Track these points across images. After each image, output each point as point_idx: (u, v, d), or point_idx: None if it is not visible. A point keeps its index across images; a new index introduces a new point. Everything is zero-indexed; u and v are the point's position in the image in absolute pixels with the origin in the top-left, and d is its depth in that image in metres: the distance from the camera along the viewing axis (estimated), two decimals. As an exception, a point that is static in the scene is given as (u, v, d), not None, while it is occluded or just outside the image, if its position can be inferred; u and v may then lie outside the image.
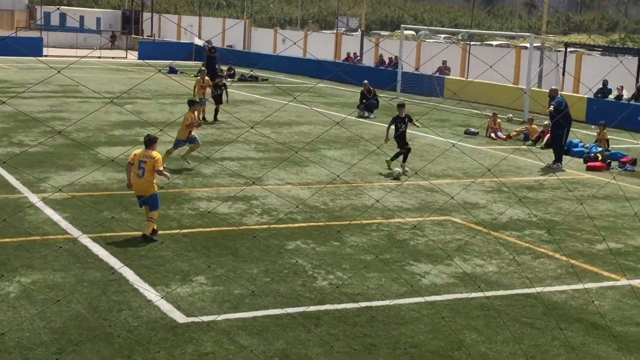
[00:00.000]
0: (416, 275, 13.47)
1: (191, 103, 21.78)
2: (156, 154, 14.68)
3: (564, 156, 24.54)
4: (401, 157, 22.15)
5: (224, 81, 31.09)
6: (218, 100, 30.09)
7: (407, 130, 22.45)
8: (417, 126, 23.77)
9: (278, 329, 10.88)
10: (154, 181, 14.61)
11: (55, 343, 10.09)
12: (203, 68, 35.98)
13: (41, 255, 13.34)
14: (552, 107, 24.40)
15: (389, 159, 22.02)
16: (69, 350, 9.88)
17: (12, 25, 79.90)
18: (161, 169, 14.61)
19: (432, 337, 10.90)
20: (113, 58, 60.22)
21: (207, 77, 30.84)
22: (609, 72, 29.99)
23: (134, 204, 15.69)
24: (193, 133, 21.28)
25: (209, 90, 30.26)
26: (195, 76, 48.94)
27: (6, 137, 24.59)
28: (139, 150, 14.87)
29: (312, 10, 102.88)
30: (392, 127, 22.29)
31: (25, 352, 9.77)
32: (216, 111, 30.27)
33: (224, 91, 30.48)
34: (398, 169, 21.58)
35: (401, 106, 22.36)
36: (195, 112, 21.83)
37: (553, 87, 27.22)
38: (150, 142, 14.81)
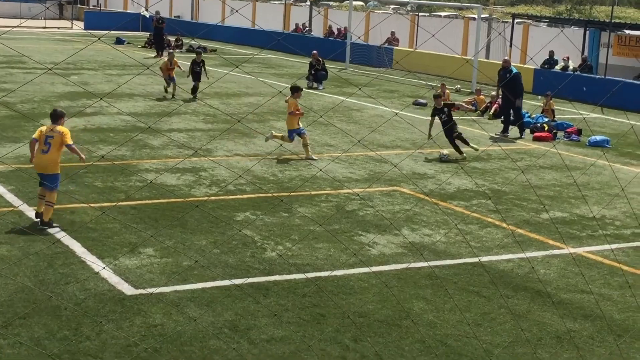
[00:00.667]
0: (365, 246, 13.54)
1: (294, 89, 20.60)
2: (63, 128, 13.68)
3: (513, 127, 24.79)
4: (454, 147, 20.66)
5: (202, 57, 29.52)
6: (197, 77, 28.70)
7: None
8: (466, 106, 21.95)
9: (227, 300, 10.87)
10: (59, 160, 13.64)
11: (0, 316, 10.01)
12: (170, 50, 34.76)
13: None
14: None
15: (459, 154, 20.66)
16: (15, 323, 9.80)
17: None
18: (70, 142, 13.59)
19: (381, 307, 10.98)
20: (58, 28, 59.31)
21: (175, 59, 29.05)
22: (551, 41, 30.43)
23: (80, 176, 15.56)
24: (300, 125, 20.31)
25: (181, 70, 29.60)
26: (143, 47, 48.69)
27: (-51, 108, 24.17)
28: (44, 126, 13.84)
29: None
30: (435, 120, 21.02)
31: (-30, 326, 9.69)
32: (195, 89, 28.66)
33: (203, 68, 28.94)
34: (446, 151, 20.36)
35: (437, 97, 21.04)
36: (297, 99, 20.59)
37: (506, 58, 27.31)
38: (57, 116, 13.79)
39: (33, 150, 13.56)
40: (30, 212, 14.11)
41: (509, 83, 24.48)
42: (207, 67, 29.19)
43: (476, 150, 20.56)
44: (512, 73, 24.86)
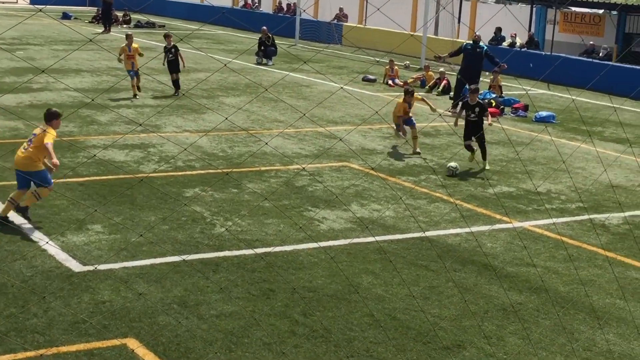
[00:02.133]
0: (314, 221, 13.56)
1: (406, 93, 19.01)
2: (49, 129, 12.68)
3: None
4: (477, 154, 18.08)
5: (173, 43, 24.70)
6: (174, 68, 24.71)
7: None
8: (489, 124, 18.30)
9: (176, 276, 10.83)
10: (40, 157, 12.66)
11: (-54, 295, 9.88)
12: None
13: None
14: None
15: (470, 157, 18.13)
16: (-40, 301, 9.69)
17: None
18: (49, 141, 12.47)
19: (330, 282, 11.02)
20: (3, 2, 58.27)
21: (135, 45, 24.56)
22: (495, 17, 30.73)
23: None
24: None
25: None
26: (91, 22, 48.11)
27: None
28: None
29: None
30: (463, 113, 18.38)
31: None
32: (176, 82, 24.68)
33: (179, 55, 24.62)
34: (454, 164, 17.32)
35: (474, 91, 18.43)
36: (409, 102, 18.96)
37: (477, 33, 27.23)
38: (50, 116, 12.83)
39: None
40: (-24, 189, 13.91)
41: (478, 58, 24.68)
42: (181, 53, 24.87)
43: (456, 168, 17.25)
44: (483, 49, 25.07)
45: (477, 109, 17.80)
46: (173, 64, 24.57)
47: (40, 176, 12.57)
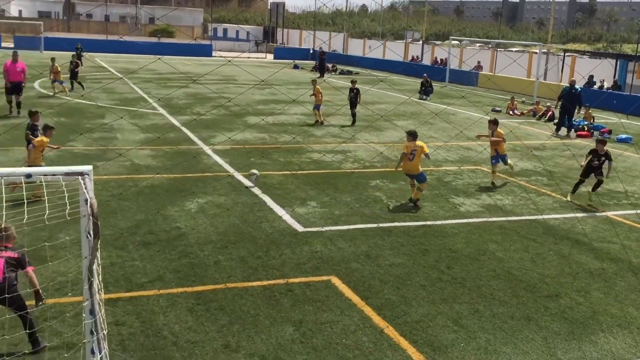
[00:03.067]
0: (456, 205, 13.28)
1: (492, 122, 15.19)
2: (421, 143, 13.02)
3: (563, 127, 23.77)
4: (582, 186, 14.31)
5: (356, 85, 23.26)
6: (353, 103, 23.20)
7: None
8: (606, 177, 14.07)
9: (363, 237, 10.90)
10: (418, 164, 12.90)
11: (220, 241, 10.31)
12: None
13: (211, 185, 13.66)
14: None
15: (571, 192, 14.26)
16: (229, 246, 10.09)
17: (192, 35, 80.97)
18: (427, 151, 12.98)
19: (466, 246, 10.76)
20: (257, 58, 60.53)
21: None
22: (593, 69, 28.77)
23: (270, 154, 15.81)
24: (500, 152, 15.14)
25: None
26: (311, 70, 49.16)
27: (189, 109, 25.09)
28: (408, 142, 12.95)
29: (389, 26, 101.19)
30: (588, 159, 14.02)
31: (200, 246, 10.03)
32: (354, 115, 23.02)
33: (358, 96, 23.28)
34: (255, 171, 13.97)
35: (601, 142, 13.91)
36: (491, 131, 15.17)
37: (573, 79, 25.81)
38: (412, 135, 12.96)
39: (402, 160, 12.95)
40: (239, 176, 14.50)
41: (574, 96, 23.46)
42: (361, 94, 24.09)
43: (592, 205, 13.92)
44: (577, 90, 23.82)
45: (602, 158, 13.76)
46: (352, 101, 23.30)
47: (422, 175, 13.05)
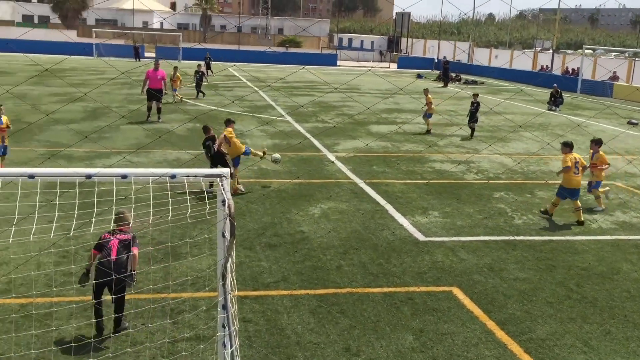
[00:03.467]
0: (587, 221, 12.62)
1: (596, 142, 13.43)
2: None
3: None
4: None
5: (478, 100, 22.06)
6: (472, 118, 21.94)
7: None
8: None
9: (486, 250, 10.64)
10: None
11: (342, 246, 10.44)
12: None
13: (334, 191, 13.87)
14: None
15: None
16: (350, 252, 10.20)
17: (318, 46, 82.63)
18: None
19: (598, 264, 10.21)
20: (380, 67, 60.73)
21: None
22: None
23: (394, 164, 15.82)
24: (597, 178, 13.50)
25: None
26: (435, 80, 48.64)
27: (314, 116, 25.58)
28: (573, 154, 12.36)
29: (517, 34, 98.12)
30: None
31: (323, 250, 10.20)
32: (472, 130, 22.04)
33: (478, 108, 22.00)
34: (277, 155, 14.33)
35: None
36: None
37: None
38: (569, 146, 12.36)
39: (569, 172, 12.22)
40: (361, 183, 14.62)
41: None
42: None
43: None
44: None
45: None
46: (472, 114, 21.86)
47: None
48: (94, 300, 6.97)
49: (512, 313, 8.27)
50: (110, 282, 6.78)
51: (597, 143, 13.42)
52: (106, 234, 7.15)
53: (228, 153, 12.97)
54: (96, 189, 5.45)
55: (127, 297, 7.19)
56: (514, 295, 8.80)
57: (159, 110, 22.41)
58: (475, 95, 22.64)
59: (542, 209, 12.88)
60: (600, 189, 13.56)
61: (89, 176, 5.07)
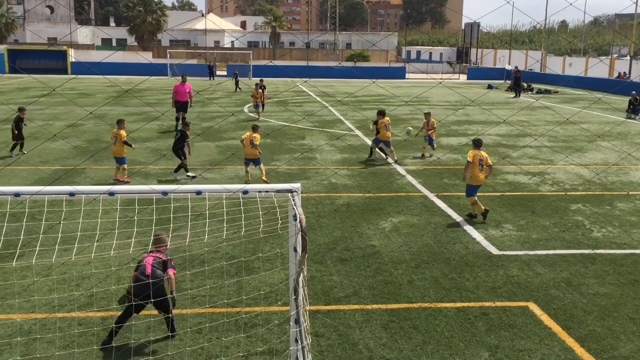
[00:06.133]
0: (671, 233, 12.04)
1: None
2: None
3: None
4: None
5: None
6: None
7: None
8: None
9: (564, 264, 10.30)
10: None
11: (413, 260, 10.34)
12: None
13: (404, 205, 13.76)
14: None
15: None
16: (421, 266, 10.09)
17: (386, 59, 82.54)
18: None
19: (684, 279, 9.71)
20: (450, 79, 60.06)
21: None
22: None
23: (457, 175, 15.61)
24: None
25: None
26: (506, 90, 47.67)
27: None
28: (480, 152, 12.71)
29: (592, 41, 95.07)
30: None
31: (394, 264, 10.12)
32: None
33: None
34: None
35: None
36: None
37: None
38: (474, 143, 12.81)
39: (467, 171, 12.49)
40: (432, 197, 14.44)
41: None
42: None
43: None
44: None
45: None
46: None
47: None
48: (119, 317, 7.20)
49: (593, 329, 7.95)
50: (149, 298, 6.87)
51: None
52: (145, 255, 7.36)
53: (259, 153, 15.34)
54: (172, 205, 5.61)
55: (201, 311, 7.34)
56: (594, 311, 8.47)
57: (183, 119, 22.85)
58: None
59: (467, 214, 12.82)
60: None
61: (165, 193, 5.23)
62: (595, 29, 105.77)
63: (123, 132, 15.20)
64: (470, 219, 12.73)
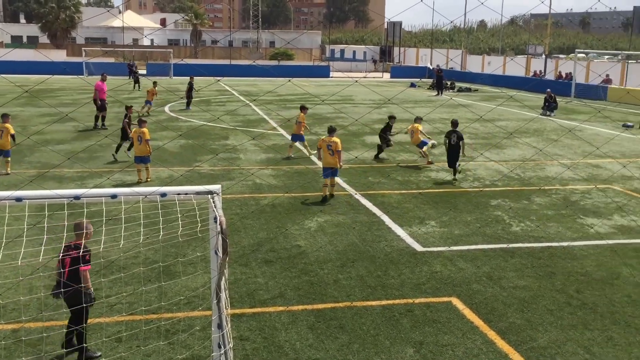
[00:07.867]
0: (585, 226, 12.63)
1: None
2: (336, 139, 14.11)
3: None
4: None
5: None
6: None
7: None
8: None
9: (485, 258, 10.61)
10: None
11: (339, 260, 10.40)
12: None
13: (330, 204, 13.81)
14: None
15: None
16: (347, 265, 10.15)
17: (310, 58, 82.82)
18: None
19: (597, 270, 10.19)
20: (374, 77, 60.91)
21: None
22: None
23: (388, 173, 15.77)
24: None
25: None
26: (428, 89, 48.80)
27: (307, 129, 25.48)
28: (332, 138, 14.04)
29: (509, 40, 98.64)
30: None
31: (320, 264, 10.15)
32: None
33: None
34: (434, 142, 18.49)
35: None
36: None
37: None
38: (328, 129, 14.26)
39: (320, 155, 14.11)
40: (357, 195, 14.59)
41: None
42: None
43: None
44: None
45: None
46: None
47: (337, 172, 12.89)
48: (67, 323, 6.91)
49: (513, 322, 8.23)
50: (67, 299, 6.55)
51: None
52: (64, 245, 6.83)
53: None
54: (85, 210, 5.40)
55: (120, 319, 7.12)
56: (513, 304, 8.76)
57: (103, 118, 24.52)
58: (391, 117, 19.86)
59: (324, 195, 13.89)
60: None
61: (77, 197, 5.03)
62: (512, 28, 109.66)
63: (9, 126, 16.18)
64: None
